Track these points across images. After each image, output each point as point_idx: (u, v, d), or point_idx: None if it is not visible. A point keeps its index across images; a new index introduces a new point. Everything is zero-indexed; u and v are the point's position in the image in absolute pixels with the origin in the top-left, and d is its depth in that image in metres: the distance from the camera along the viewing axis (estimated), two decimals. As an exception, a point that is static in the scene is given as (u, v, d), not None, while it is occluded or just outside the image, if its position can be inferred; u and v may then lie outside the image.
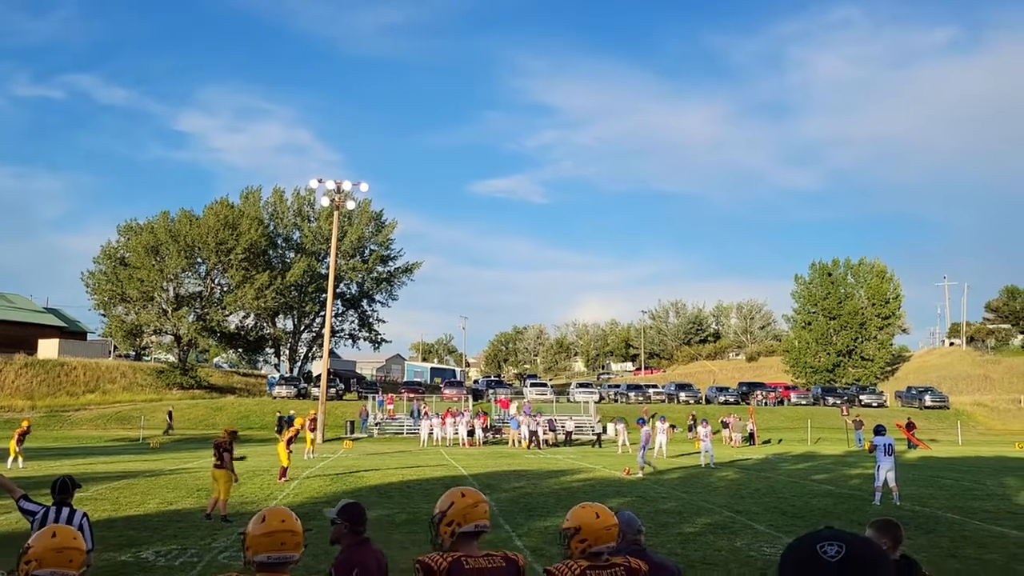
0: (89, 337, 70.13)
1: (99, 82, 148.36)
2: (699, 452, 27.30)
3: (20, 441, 24.25)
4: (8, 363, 52.64)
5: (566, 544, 3.53)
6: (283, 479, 19.89)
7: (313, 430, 30.53)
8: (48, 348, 58.98)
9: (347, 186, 43.03)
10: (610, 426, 32.69)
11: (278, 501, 15.86)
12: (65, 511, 5.91)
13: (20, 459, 23.84)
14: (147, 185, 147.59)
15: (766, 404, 54.51)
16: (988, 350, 78.05)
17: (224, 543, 11.81)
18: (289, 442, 20.66)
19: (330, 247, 46.67)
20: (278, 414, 42.67)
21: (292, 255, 64.97)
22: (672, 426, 43.44)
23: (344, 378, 59.70)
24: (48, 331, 64.91)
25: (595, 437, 39.95)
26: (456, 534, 3.44)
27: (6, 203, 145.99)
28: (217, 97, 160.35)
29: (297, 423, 22.83)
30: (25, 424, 25.54)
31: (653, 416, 34.63)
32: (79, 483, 6.56)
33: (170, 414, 43.97)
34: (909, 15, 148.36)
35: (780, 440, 42.15)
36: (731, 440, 39.06)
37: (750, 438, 39.80)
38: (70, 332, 68.29)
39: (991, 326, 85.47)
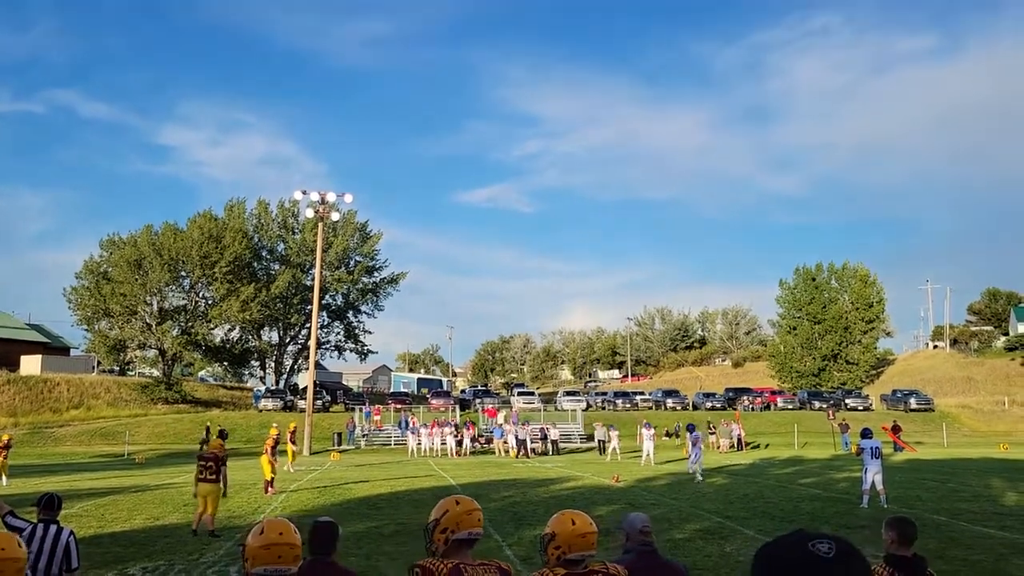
0: (72, 353, 69.48)
1: (80, 97, 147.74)
2: (686, 459, 27.44)
3: (4, 456, 23.91)
4: (-10, 380, 52.07)
5: (543, 550, 3.57)
6: (270, 492, 19.73)
7: (293, 443, 30.24)
8: (31, 364, 58.38)
9: (331, 197, 42.94)
10: (644, 431, 32.21)
11: (266, 515, 15.76)
12: (52, 528, 5.86)
13: (4, 477, 23.55)
14: (130, 200, 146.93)
15: (753, 409, 54.68)
16: (971, 352, 78.75)
17: (212, 558, 11.72)
18: (273, 451, 20.46)
19: (315, 258, 46.52)
20: (207, 425, 42.07)
21: (277, 267, 64.70)
22: (669, 433, 43.61)
23: (331, 390, 59.42)
24: (31, 347, 64.24)
25: (598, 444, 39.04)
26: (450, 541, 3.45)
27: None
28: (199, 110, 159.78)
29: (272, 432, 22.61)
30: (5, 438, 25.17)
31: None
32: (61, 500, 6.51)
33: (208, 429, 43.11)
34: (889, 21, 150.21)
35: (767, 445, 42.28)
36: (719, 446, 39.17)
37: (738, 444, 39.89)
38: (53, 348, 67.66)
39: (974, 328, 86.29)
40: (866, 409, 54.40)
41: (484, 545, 12.19)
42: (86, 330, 58.40)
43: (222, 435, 40.82)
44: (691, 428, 25.61)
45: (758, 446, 41.77)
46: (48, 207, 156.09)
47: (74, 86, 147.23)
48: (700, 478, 22.56)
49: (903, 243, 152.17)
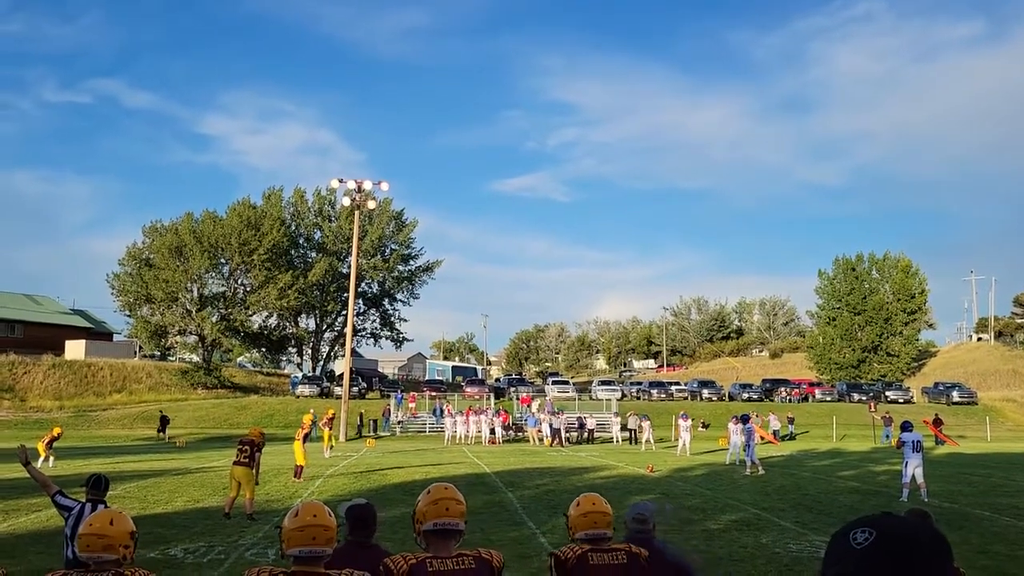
0: (115, 338, 70.96)
1: (125, 86, 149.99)
2: (726, 449, 27.23)
3: (50, 445, 24.49)
4: (36, 364, 53.38)
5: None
6: (299, 478, 19.92)
7: (330, 428, 30.69)
8: (75, 349, 59.74)
9: (368, 186, 43.16)
10: (681, 422, 31.68)
11: (303, 499, 15.94)
12: (100, 508, 5.97)
13: (51, 458, 24.15)
14: (172, 188, 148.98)
15: (790, 401, 54.10)
16: (1017, 345, 76.95)
17: (251, 540, 11.91)
18: (305, 439, 20.72)
19: (351, 246, 46.84)
20: (160, 411, 42.24)
21: (314, 255, 65.34)
22: (705, 424, 43.30)
23: (366, 377, 59.98)
24: (75, 332, 65.74)
25: (630, 434, 38.63)
26: (421, 532, 3.43)
27: (34, 207, 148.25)
28: (239, 100, 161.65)
29: (306, 419, 22.91)
30: (57, 431, 25.74)
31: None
32: (109, 480, 6.63)
33: (162, 417, 41.52)
34: (933, 8, 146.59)
35: (793, 435, 41.76)
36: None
37: (774, 435, 39.42)
38: (96, 333, 69.14)
39: (1020, 320, 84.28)
40: (907, 402, 53.52)
41: (518, 532, 12.23)
42: (128, 316, 59.55)
43: (163, 421, 40.44)
44: (745, 419, 25.05)
45: (793, 437, 41.32)
46: (93, 195, 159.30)
47: (119, 76, 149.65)
48: (762, 470, 22.21)
49: (946, 234, 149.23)
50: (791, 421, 42.66)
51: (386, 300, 68.61)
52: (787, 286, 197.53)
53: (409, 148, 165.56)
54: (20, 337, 61.82)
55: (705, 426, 42.91)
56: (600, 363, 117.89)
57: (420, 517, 3.46)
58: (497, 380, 72.07)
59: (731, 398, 55.33)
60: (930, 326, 78.17)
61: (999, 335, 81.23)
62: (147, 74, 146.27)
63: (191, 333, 59.60)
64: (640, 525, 4.37)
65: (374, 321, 68.89)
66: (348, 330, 46.57)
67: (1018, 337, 79.75)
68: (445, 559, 3.33)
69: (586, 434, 39.61)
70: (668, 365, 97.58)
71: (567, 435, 38.16)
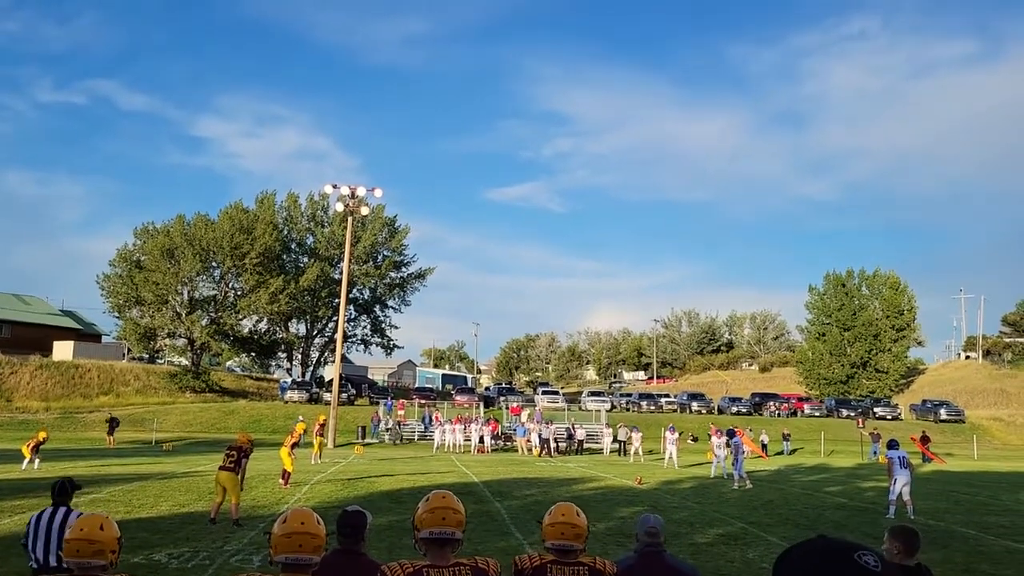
0: (103, 339, 70.55)
1: (120, 88, 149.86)
2: (710, 463, 27.20)
3: (35, 449, 24.30)
4: (24, 364, 53.01)
5: None
6: (285, 484, 19.83)
7: (322, 435, 30.77)
8: (63, 350, 59.37)
9: (361, 192, 43.13)
10: (668, 435, 31.44)
11: (290, 505, 15.86)
12: (62, 511, 5.92)
13: (37, 460, 23.97)
14: (166, 190, 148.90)
15: (779, 415, 54.19)
16: (1005, 364, 77.33)
17: (236, 546, 11.83)
18: (293, 446, 20.65)
19: (343, 252, 46.77)
20: (108, 413, 41.85)
21: (306, 260, 65.18)
22: (694, 438, 43.35)
23: (356, 383, 59.78)
24: (63, 333, 65.35)
25: (619, 445, 38.52)
26: (418, 540, 3.44)
27: (26, 207, 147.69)
28: (235, 104, 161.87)
29: (299, 428, 22.90)
30: (42, 435, 25.54)
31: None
32: (79, 485, 6.56)
33: (111, 419, 40.14)
34: (928, 26, 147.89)
35: (793, 451, 41.83)
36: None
37: (764, 449, 39.49)
38: (85, 334, 68.74)
39: (1008, 339, 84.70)
40: (895, 419, 53.68)
41: (505, 543, 12.20)
42: (117, 317, 59.24)
43: (111, 424, 39.92)
44: (731, 433, 24.94)
45: (781, 453, 41.39)
46: (85, 195, 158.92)
47: (114, 77, 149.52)
48: (749, 484, 22.17)
49: (937, 251, 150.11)
50: (786, 438, 42.62)
51: (377, 307, 68.45)
52: (778, 300, 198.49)
53: (404, 155, 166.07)
54: (7, 337, 61.43)
55: (694, 439, 42.99)
56: (590, 374, 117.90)
57: (418, 524, 3.46)
58: (487, 389, 71.97)
59: (720, 411, 55.39)
60: (919, 343, 78.52)
61: (987, 354, 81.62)
62: (143, 76, 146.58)
63: (180, 336, 59.33)
64: (651, 539, 4.34)
65: (365, 327, 68.72)
66: (339, 336, 46.44)
67: (1006, 356, 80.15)
68: (442, 568, 3.34)
69: (575, 445, 39.58)
70: (658, 377, 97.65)
71: (557, 445, 38.09)
